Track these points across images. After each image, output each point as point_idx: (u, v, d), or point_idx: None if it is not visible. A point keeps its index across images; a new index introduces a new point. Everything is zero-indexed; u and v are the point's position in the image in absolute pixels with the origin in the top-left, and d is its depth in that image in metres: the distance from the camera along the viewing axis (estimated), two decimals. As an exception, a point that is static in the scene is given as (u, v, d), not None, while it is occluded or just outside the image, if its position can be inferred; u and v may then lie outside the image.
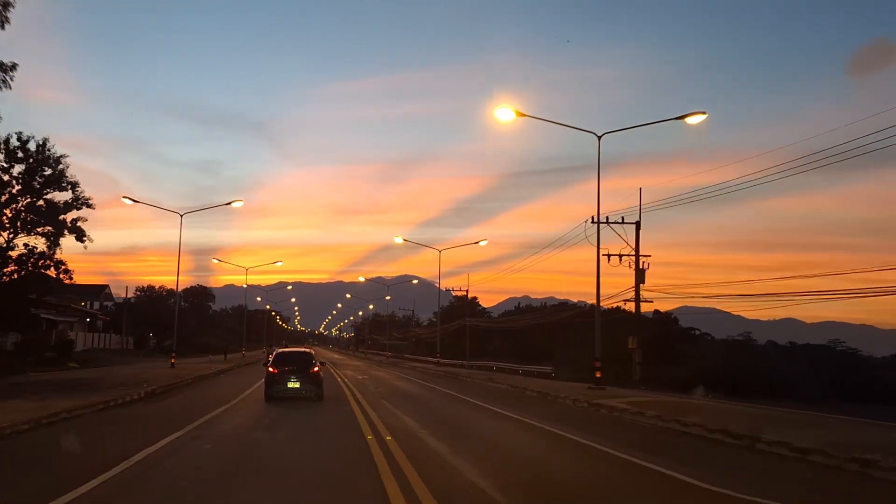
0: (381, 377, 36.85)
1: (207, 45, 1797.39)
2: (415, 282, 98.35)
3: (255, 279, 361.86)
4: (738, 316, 53.57)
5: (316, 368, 21.89)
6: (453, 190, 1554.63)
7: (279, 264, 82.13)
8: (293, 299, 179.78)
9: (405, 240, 62.22)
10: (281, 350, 25.62)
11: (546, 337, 65.94)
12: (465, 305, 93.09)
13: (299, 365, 21.77)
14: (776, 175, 24.72)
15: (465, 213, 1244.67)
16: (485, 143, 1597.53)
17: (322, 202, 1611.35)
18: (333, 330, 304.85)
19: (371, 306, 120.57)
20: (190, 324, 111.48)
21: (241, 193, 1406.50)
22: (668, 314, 49.74)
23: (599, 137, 26.11)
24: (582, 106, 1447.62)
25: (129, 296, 79.82)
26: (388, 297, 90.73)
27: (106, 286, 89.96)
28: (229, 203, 43.91)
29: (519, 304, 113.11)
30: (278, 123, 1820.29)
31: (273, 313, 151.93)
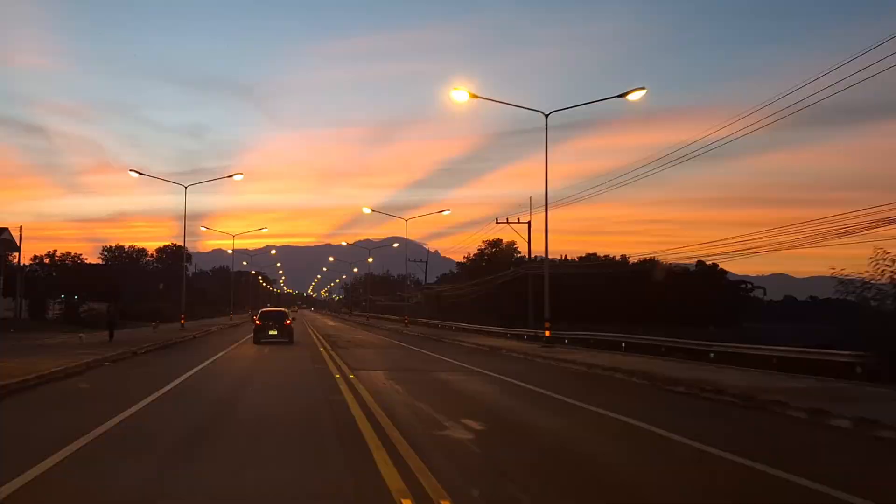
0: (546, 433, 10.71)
1: (194, 6, 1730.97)
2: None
3: (241, 243, 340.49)
4: (729, 272, 54.44)
5: (288, 322, 31.62)
6: (441, 151, 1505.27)
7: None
8: (278, 262, 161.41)
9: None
10: (264, 309, 38.99)
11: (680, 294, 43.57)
12: (512, 251, 69.22)
13: (277, 319, 31.63)
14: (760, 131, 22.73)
15: (454, 174, 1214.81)
16: (474, 102, 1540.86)
17: (310, 166, 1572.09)
18: (322, 292, 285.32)
19: (370, 259, 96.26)
20: (154, 287, 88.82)
21: (228, 158, 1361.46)
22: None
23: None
24: (585, 57, 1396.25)
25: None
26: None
27: (3, 230, 63.00)
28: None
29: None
30: (266, 86, 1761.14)
31: (253, 273, 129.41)
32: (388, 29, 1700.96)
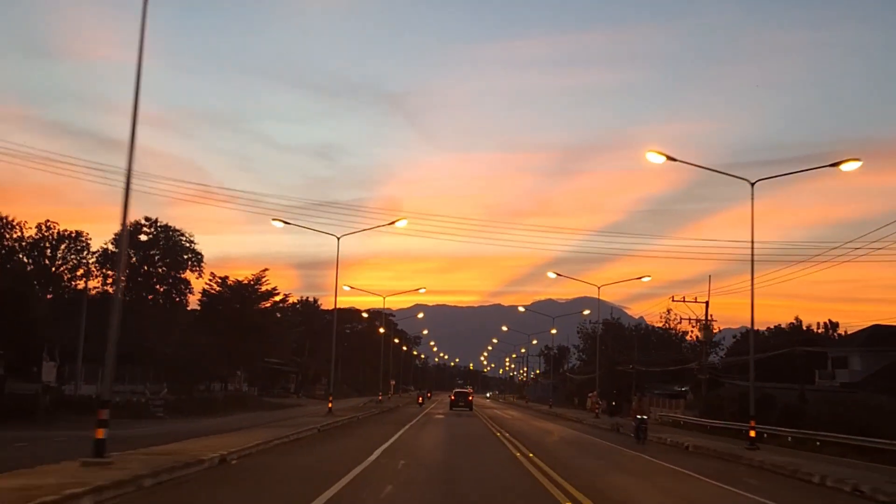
0: None
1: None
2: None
3: (376, 302, 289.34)
4: None
5: (470, 398, 56.60)
6: (643, 186, 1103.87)
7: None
8: (429, 325, 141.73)
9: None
10: (456, 390, 62.69)
11: None
12: None
13: (463, 396, 56.45)
14: None
15: (661, 217, 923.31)
16: (689, 124, 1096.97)
17: (473, 201, 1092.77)
18: (503, 368, 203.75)
19: (553, 330, 76.12)
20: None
21: (366, 188, 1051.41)
22: None
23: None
24: (825, 71, 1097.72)
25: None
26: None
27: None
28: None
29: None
30: (417, 96, 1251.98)
31: (397, 341, 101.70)
32: (579, 29, 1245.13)
